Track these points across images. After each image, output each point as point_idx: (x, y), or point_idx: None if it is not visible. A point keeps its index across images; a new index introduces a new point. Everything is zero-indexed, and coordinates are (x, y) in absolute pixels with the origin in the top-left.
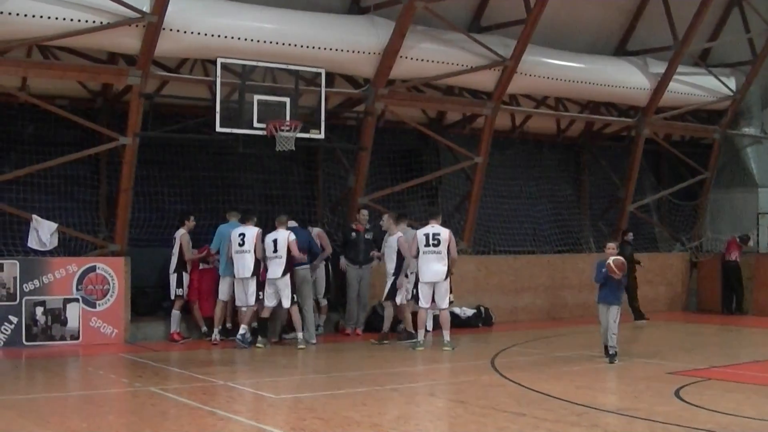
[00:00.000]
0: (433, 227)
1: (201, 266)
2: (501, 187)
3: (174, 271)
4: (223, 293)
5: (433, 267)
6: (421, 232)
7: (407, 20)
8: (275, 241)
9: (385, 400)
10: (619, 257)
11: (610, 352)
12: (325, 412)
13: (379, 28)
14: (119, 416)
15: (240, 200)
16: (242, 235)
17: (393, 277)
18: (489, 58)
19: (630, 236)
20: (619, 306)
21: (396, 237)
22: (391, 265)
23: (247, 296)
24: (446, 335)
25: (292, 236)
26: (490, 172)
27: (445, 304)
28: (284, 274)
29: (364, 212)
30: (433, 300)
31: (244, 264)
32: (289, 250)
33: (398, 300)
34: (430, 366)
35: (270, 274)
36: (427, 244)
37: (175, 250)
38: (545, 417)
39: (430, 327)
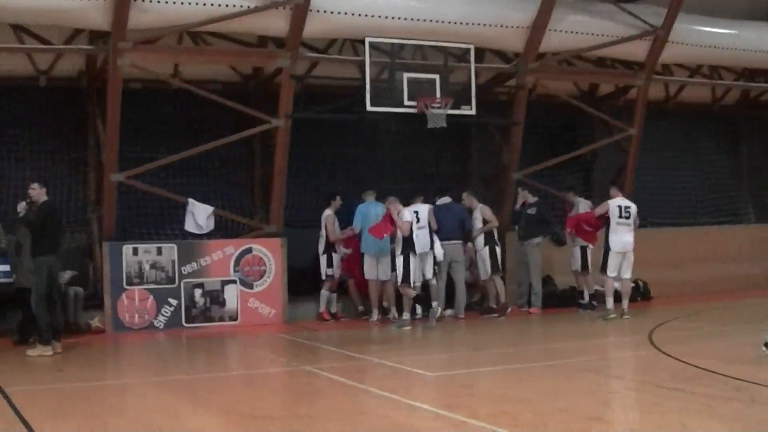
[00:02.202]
0: (623, 200)
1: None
2: (656, 159)
3: (323, 252)
4: (369, 272)
5: (625, 237)
6: (614, 203)
7: None
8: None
9: (541, 376)
10: None
11: None
12: (479, 389)
13: (527, 2)
14: (277, 395)
15: (393, 179)
16: (416, 212)
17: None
18: (640, 27)
19: None
20: None
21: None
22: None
23: (425, 271)
24: (625, 304)
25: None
26: (645, 144)
27: (628, 274)
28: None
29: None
30: None
31: (423, 240)
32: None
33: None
34: (587, 341)
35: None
36: (621, 216)
37: (323, 232)
38: (702, 392)
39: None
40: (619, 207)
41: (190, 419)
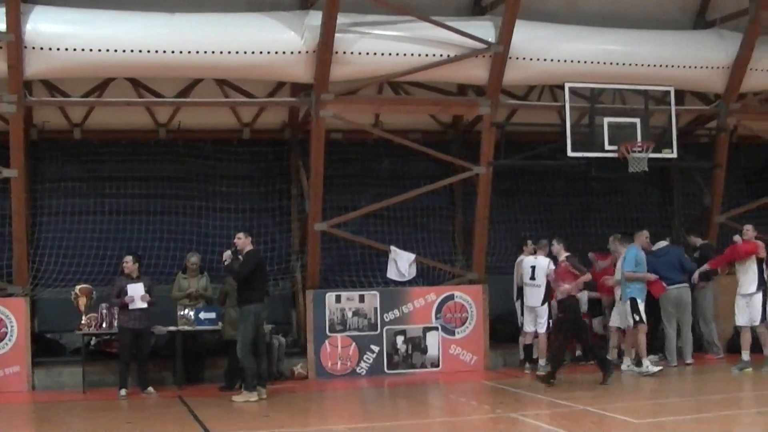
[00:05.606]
0: None
1: None
2: None
3: (516, 299)
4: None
5: None
6: None
7: (756, 31)
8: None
9: (751, 423)
10: None
11: None
12: None
13: (726, 42)
14: None
15: (595, 225)
16: (533, 267)
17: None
18: None
19: None
20: None
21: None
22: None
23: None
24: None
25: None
26: None
27: None
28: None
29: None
30: None
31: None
32: None
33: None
34: None
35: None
36: None
37: (516, 278)
38: None
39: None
40: None
41: None
